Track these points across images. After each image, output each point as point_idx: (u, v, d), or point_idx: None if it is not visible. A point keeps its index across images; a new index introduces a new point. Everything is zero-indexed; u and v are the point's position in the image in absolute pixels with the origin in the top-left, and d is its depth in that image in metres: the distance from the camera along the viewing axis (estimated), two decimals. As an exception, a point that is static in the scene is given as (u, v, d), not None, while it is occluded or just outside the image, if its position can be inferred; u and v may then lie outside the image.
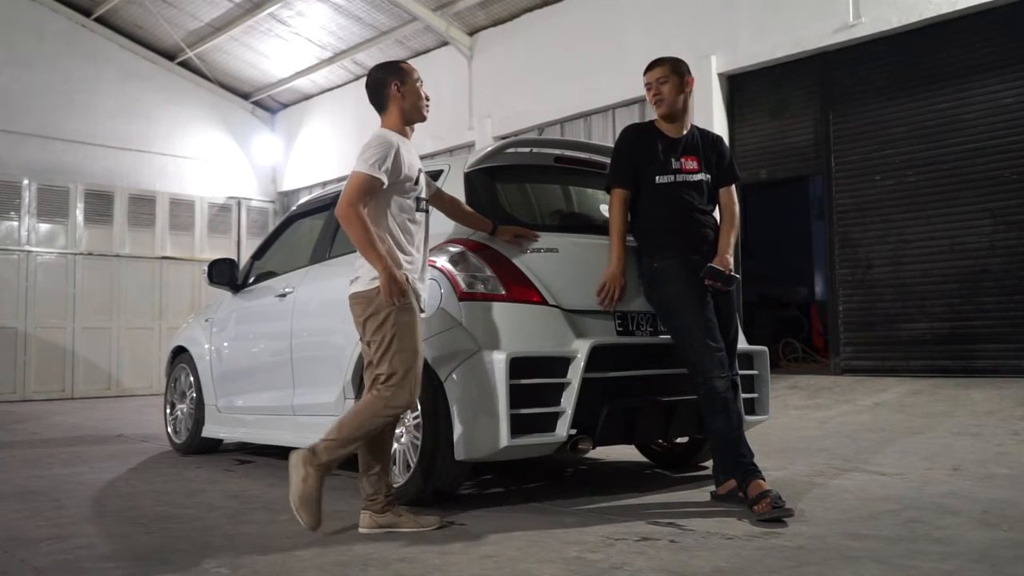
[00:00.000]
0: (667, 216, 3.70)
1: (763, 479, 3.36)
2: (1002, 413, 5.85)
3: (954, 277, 7.19)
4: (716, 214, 3.85)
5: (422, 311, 3.28)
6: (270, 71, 13.54)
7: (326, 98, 13.72)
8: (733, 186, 3.86)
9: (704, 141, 3.83)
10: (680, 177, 3.71)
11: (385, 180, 3.15)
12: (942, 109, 7.31)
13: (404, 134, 3.35)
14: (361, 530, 3.17)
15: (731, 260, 3.67)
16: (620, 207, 3.76)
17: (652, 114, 3.89)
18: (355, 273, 3.24)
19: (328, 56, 12.68)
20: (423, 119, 3.41)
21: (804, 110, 8.21)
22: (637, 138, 3.81)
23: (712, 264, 3.60)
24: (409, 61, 3.66)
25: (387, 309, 3.10)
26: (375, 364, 3.16)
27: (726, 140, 4.86)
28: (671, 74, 3.74)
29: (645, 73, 3.82)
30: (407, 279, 3.15)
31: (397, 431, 3.73)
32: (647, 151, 3.74)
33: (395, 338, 3.10)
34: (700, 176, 3.75)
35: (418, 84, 3.37)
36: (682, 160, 3.73)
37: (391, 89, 3.32)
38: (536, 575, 2.53)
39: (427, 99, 3.40)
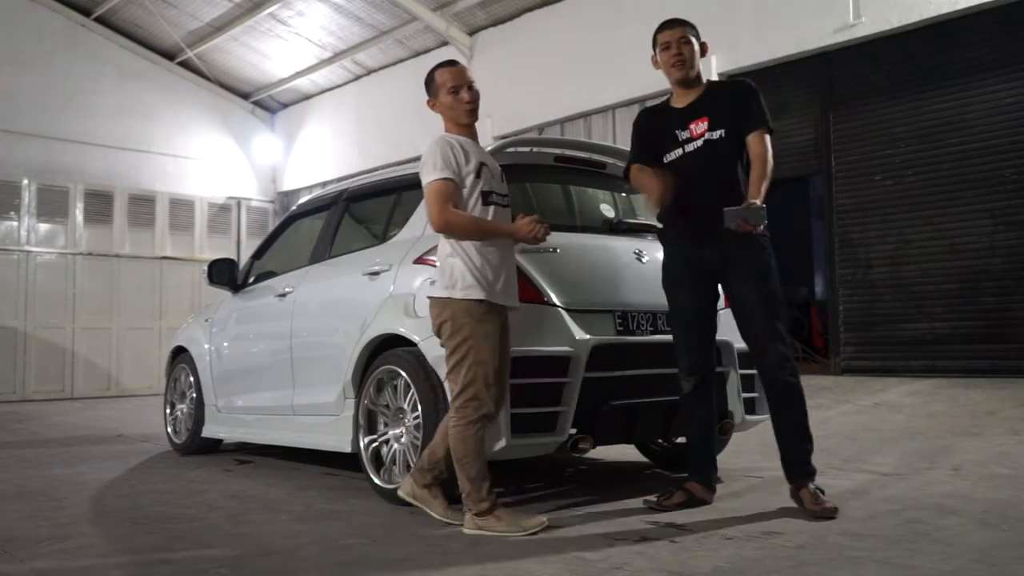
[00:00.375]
0: (673, 199, 3.53)
1: (701, 489, 3.44)
2: (1002, 413, 5.84)
3: (954, 277, 7.19)
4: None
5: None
6: (270, 71, 13.53)
7: (326, 98, 13.72)
8: (761, 132, 3.43)
9: (720, 93, 3.56)
10: (689, 147, 3.46)
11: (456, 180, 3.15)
12: (942, 109, 7.31)
13: (463, 134, 3.32)
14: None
15: (757, 201, 3.26)
16: (639, 171, 3.55)
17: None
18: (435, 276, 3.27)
19: (328, 56, 12.67)
20: (468, 120, 3.32)
21: (804, 110, 8.20)
22: (645, 121, 3.68)
23: (729, 208, 3.22)
24: (409, 61, 3.66)
25: (462, 319, 3.09)
26: (448, 375, 3.18)
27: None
28: (691, 36, 3.51)
29: (661, 32, 3.54)
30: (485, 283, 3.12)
31: (397, 431, 3.74)
32: (656, 131, 3.59)
33: (470, 350, 3.08)
34: (708, 136, 3.44)
35: (451, 91, 3.27)
36: (691, 127, 3.48)
37: (432, 107, 3.37)
38: (536, 575, 2.53)
39: (468, 99, 3.28)
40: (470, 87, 3.31)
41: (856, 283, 7.79)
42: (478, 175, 3.20)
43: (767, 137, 3.43)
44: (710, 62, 8.47)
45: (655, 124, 3.63)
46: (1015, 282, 6.86)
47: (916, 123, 7.45)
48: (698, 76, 3.56)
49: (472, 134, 3.35)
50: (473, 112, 3.31)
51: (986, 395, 6.29)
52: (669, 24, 3.56)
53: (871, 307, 7.67)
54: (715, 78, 8.43)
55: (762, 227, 3.27)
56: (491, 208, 3.21)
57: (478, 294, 3.10)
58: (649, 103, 8.39)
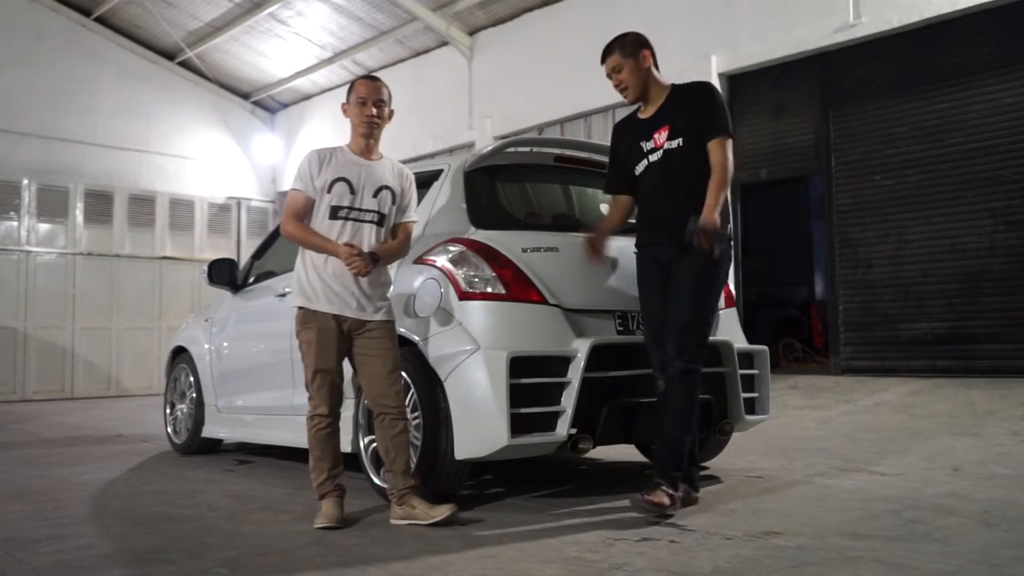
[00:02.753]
0: (640, 207, 3.66)
1: (683, 488, 3.38)
2: (1002, 413, 5.84)
3: (954, 277, 7.19)
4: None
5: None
6: (270, 71, 13.53)
7: (326, 98, 13.71)
8: (721, 138, 3.41)
9: (680, 99, 3.53)
10: (653, 157, 3.51)
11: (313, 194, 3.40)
12: (942, 109, 7.31)
13: (358, 146, 3.47)
14: (392, 521, 3.31)
15: (716, 217, 3.27)
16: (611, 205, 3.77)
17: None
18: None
19: (328, 56, 12.68)
20: (363, 131, 3.46)
21: (804, 110, 8.20)
22: (616, 137, 3.74)
23: (693, 218, 3.26)
24: (409, 61, 3.67)
25: (296, 326, 3.42)
26: None
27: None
28: (624, 59, 3.52)
29: (601, 64, 3.61)
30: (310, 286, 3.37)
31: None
32: (625, 145, 3.65)
33: (301, 354, 3.42)
34: (667, 146, 3.47)
35: (358, 101, 3.45)
36: (654, 137, 3.50)
37: (344, 112, 3.54)
38: (536, 575, 2.53)
39: (368, 114, 3.43)
40: (377, 104, 3.44)
41: (856, 283, 7.79)
42: (328, 190, 3.36)
43: (728, 143, 3.42)
44: (710, 62, 8.48)
45: (625, 138, 3.68)
46: (1015, 282, 6.86)
47: (916, 123, 7.45)
48: (656, 85, 3.57)
49: (365, 147, 3.47)
50: (369, 126, 3.44)
51: (986, 395, 6.29)
52: (601, 57, 3.61)
53: (871, 307, 7.67)
54: (715, 78, 8.48)
55: (718, 251, 3.31)
56: (339, 223, 3.35)
57: (299, 301, 3.39)
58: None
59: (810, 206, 11.64)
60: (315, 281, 3.34)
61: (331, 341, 3.33)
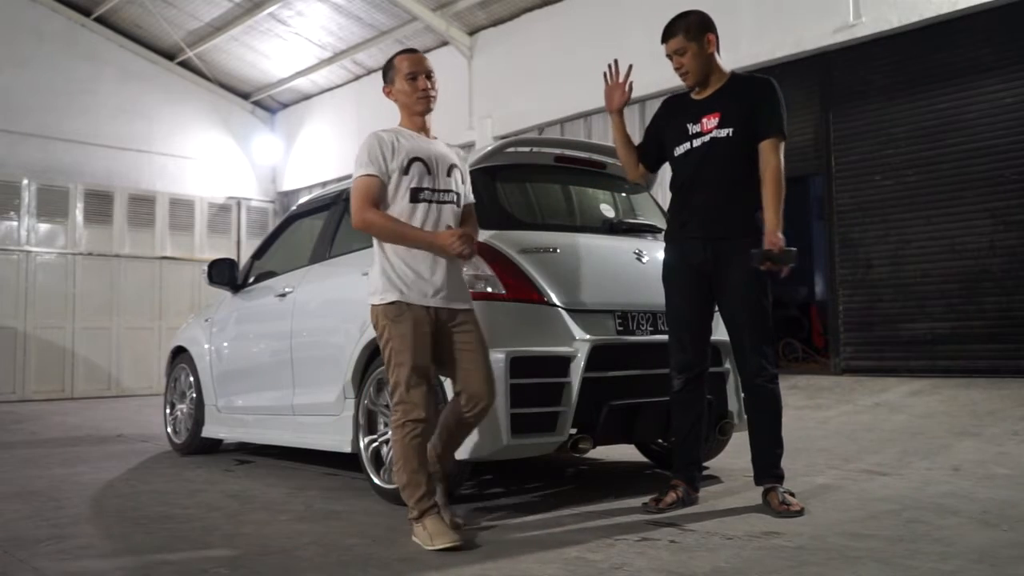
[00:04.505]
0: (674, 194, 3.55)
1: (683, 488, 3.42)
2: (1002, 413, 5.85)
3: (954, 277, 7.19)
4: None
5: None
6: (270, 71, 13.53)
7: (326, 98, 13.72)
8: (776, 139, 3.30)
9: (738, 89, 3.40)
10: (696, 142, 3.38)
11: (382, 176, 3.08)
12: (942, 109, 7.31)
13: (415, 125, 3.25)
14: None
15: (780, 236, 3.22)
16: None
17: (652, 113, 3.80)
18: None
19: (328, 56, 12.68)
20: (421, 108, 3.23)
21: (804, 110, 8.20)
22: (662, 112, 3.62)
23: (755, 249, 3.21)
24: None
25: (382, 323, 3.05)
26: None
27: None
28: (688, 42, 3.37)
29: (662, 44, 3.46)
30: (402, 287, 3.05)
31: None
32: (670, 122, 3.54)
33: (391, 352, 3.03)
34: (715, 133, 3.33)
35: (407, 77, 3.19)
36: (702, 121, 3.37)
37: (388, 94, 3.29)
38: (536, 575, 2.53)
39: (423, 87, 3.19)
40: (428, 76, 3.21)
41: (856, 283, 7.79)
42: (406, 171, 3.08)
43: (782, 146, 3.32)
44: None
45: (671, 116, 3.57)
46: (1015, 282, 6.86)
47: (916, 123, 7.45)
48: (717, 71, 3.45)
49: (422, 125, 3.25)
50: (426, 101, 3.21)
51: (986, 395, 6.30)
52: (664, 34, 3.47)
53: (871, 307, 7.68)
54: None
55: (786, 272, 3.26)
56: (421, 206, 3.08)
57: (392, 296, 3.03)
58: (649, 103, 8.49)
59: (810, 206, 11.64)
60: (405, 272, 3.04)
61: (426, 336, 3.02)
